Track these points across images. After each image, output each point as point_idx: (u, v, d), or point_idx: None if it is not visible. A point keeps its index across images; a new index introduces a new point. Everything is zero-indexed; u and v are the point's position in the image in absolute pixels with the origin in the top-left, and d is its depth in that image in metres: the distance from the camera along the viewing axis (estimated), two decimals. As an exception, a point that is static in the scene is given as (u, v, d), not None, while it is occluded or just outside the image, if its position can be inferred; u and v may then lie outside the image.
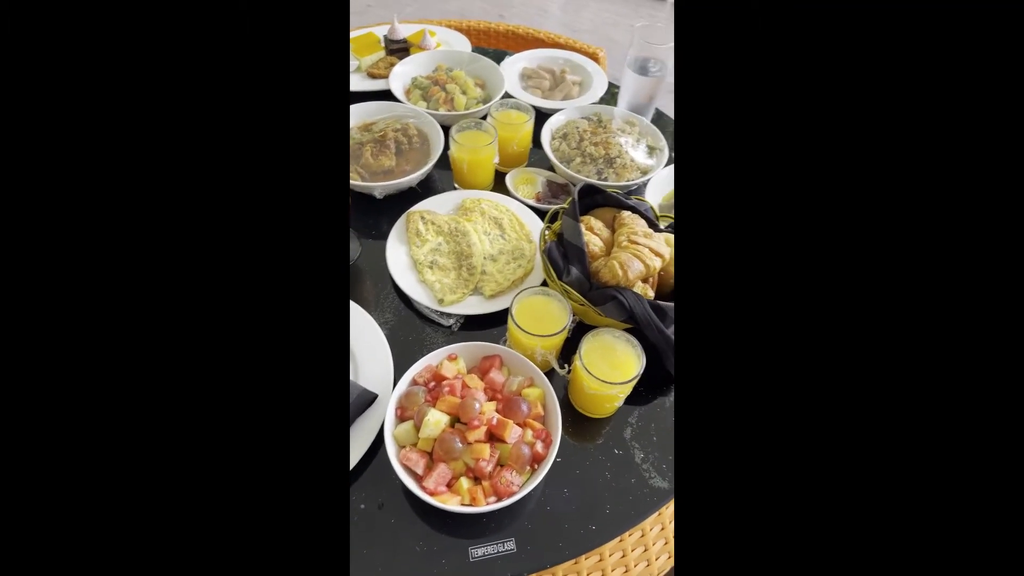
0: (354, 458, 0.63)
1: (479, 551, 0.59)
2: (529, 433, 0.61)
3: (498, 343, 0.75)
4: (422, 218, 0.85)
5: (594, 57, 1.36)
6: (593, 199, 0.79)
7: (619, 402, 0.67)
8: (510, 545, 0.60)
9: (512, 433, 0.60)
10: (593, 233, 0.74)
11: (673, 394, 0.72)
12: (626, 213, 0.76)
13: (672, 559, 0.65)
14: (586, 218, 0.76)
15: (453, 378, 0.64)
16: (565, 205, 0.79)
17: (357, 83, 1.09)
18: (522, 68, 1.14)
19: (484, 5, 3.10)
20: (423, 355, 0.73)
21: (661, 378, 0.72)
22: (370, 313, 0.76)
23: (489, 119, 0.93)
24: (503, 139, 0.91)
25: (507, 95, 1.05)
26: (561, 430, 0.62)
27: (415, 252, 0.82)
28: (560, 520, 0.62)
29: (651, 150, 0.95)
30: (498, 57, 1.16)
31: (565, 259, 0.72)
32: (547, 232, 0.78)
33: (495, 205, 0.88)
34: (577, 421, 0.69)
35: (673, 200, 0.90)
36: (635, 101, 1.01)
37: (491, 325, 0.78)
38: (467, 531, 0.60)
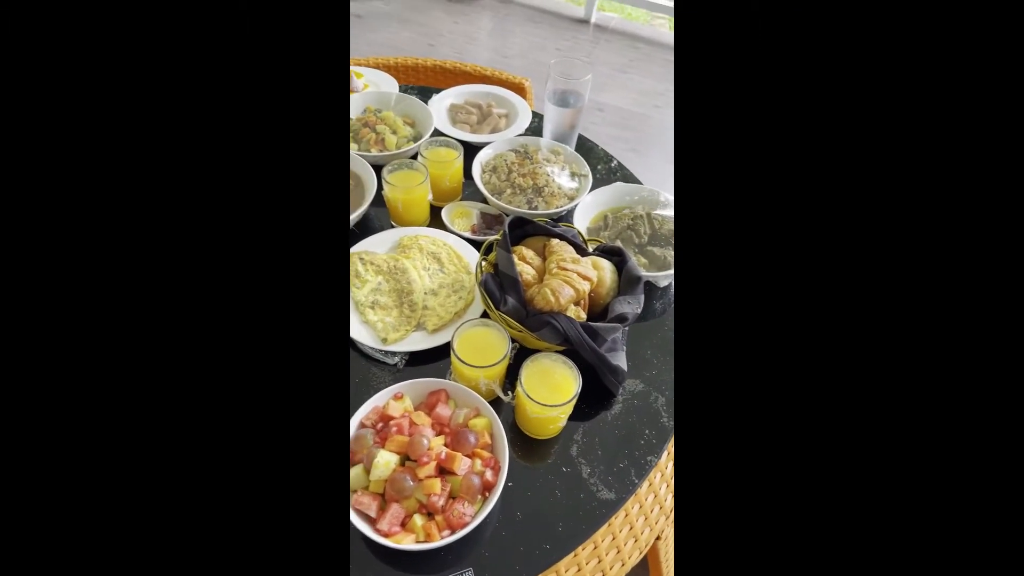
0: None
1: (439, 585, 0.60)
2: (478, 463, 0.63)
3: (445, 376, 0.78)
4: (361, 259, 0.87)
5: (520, 87, 1.42)
6: (523, 229, 0.83)
7: (562, 422, 0.70)
8: (468, 575, 0.61)
9: (461, 465, 0.62)
10: (525, 262, 0.78)
11: (613, 408, 0.76)
12: (555, 241, 0.81)
13: (625, 567, 0.68)
14: (518, 248, 0.80)
15: (400, 417, 0.66)
16: (499, 237, 0.82)
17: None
18: (449, 104, 1.18)
19: (413, 36, 3.15)
20: (370, 396, 0.75)
21: (600, 394, 0.76)
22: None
23: (420, 158, 0.96)
24: (435, 176, 0.94)
25: (437, 132, 1.09)
26: (509, 456, 0.64)
27: (355, 293, 0.83)
28: (515, 543, 0.64)
29: (574, 176, 1.01)
30: (426, 94, 1.19)
31: (501, 289, 0.76)
32: (483, 264, 0.81)
33: (432, 240, 0.91)
34: (526, 444, 0.72)
35: (601, 223, 0.95)
36: (558, 131, 1.07)
37: (437, 359, 0.80)
38: (425, 567, 0.61)
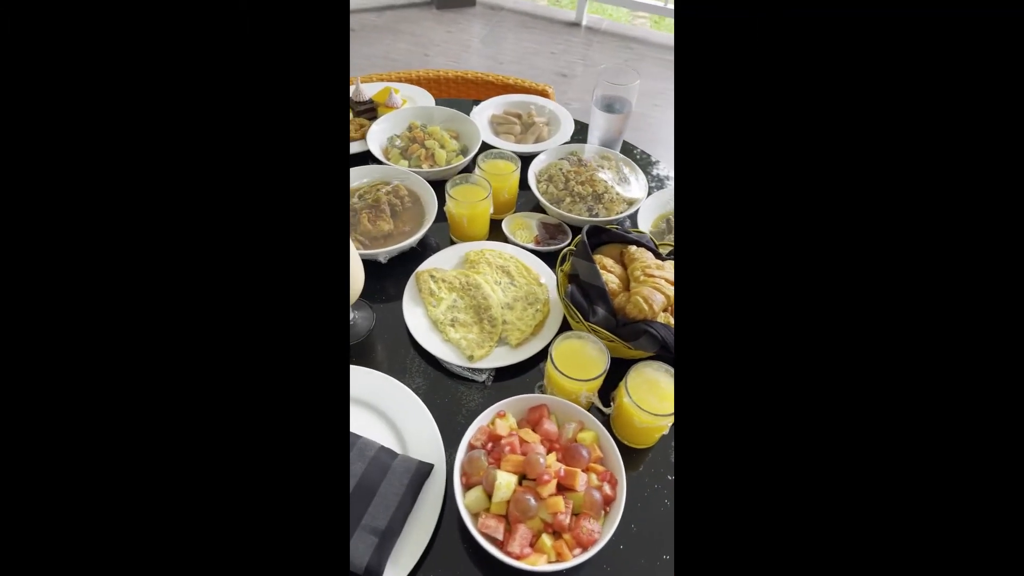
0: (425, 535, 0.62)
1: (567, 604, 0.60)
2: (594, 477, 0.63)
3: (532, 390, 0.77)
4: (432, 277, 0.86)
5: (544, 93, 1.42)
6: (599, 238, 0.83)
7: (667, 431, 0.70)
8: (596, 591, 0.61)
9: (580, 481, 0.61)
10: (607, 271, 0.78)
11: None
12: (633, 247, 0.80)
13: None
14: (597, 257, 0.80)
15: (509, 435, 0.65)
16: (573, 246, 0.82)
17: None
18: (491, 115, 1.17)
19: (408, 47, 3.14)
20: (462, 415, 0.74)
21: (694, 399, 0.76)
22: (400, 381, 0.75)
23: (477, 170, 0.95)
24: (494, 188, 0.93)
25: (485, 145, 1.08)
26: (624, 469, 0.64)
27: (432, 312, 0.82)
28: (635, 556, 0.63)
29: (633, 180, 1.01)
30: (463, 106, 1.19)
31: (587, 299, 0.75)
32: (559, 275, 0.81)
33: (499, 254, 0.90)
34: (625, 454, 0.72)
35: (662, 226, 0.95)
36: (606, 137, 1.07)
37: (521, 373, 0.79)
38: (552, 587, 0.60)
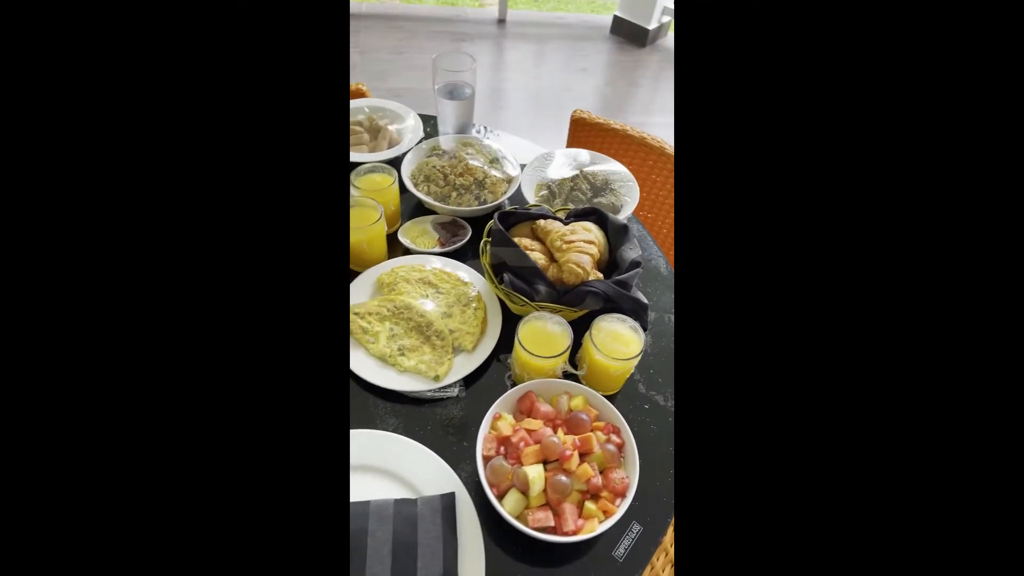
0: (480, 559, 0.61)
1: (620, 549, 0.66)
2: (601, 434, 0.68)
3: (504, 382, 0.79)
4: (356, 315, 0.80)
5: (359, 92, 1.36)
6: (507, 221, 0.85)
7: (633, 369, 0.78)
8: (636, 527, 0.67)
9: (594, 442, 0.66)
10: (530, 250, 0.82)
11: (672, 338, 0.87)
12: (541, 221, 0.85)
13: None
14: (517, 239, 0.83)
15: (515, 432, 0.67)
16: (488, 237, 0.84)
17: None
18: (331, 130, 1.09)
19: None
20: (451, 434, 0.73)
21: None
22: (378, 429, 0.71)
23: (354, 191, 0.89)
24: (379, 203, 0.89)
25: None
26: (621, 415, 0.70)
27: (374, 349, 0.78)
28: (650, 481, 0.71)
29: (501, 160, 1.04)
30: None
31: (525, 282, 0.79)
32: (486, 267, 0.82)
33: (412, 267, 0.87)
34: (605, 403, 0.79)
35: (544, 193, 1.02)
36: (459, 123, 1.08)
37: (485, 372, 0.80)
38: (606, 541, 0.65)
